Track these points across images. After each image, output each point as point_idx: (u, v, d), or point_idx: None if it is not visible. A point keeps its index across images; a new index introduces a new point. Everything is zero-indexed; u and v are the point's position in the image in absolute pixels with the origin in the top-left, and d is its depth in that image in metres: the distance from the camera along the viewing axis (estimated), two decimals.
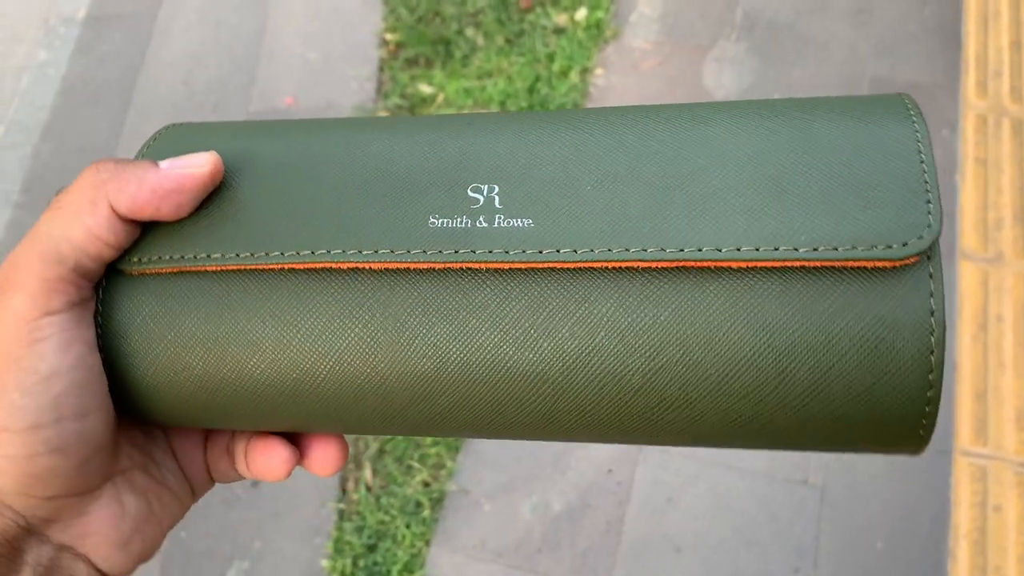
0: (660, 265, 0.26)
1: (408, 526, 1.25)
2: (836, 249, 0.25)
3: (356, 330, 0.28)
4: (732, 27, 1.59)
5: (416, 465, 1.29)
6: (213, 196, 0.30)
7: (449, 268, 0.28)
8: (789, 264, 0.26)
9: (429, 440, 1.30)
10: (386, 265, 0.28)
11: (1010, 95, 1.36)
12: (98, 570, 0.30)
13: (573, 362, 0.27)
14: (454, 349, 0.27)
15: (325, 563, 1.25)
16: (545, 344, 0.27)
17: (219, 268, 0.29)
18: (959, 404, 1.16)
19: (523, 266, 0.27)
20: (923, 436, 0.26)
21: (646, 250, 0.26)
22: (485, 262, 0.27)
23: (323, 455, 0.33)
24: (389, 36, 1.72)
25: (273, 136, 0.32)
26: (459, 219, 0.28)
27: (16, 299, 0.27)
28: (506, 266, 0.27)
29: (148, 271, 0.29)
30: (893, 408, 0.26)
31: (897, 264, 0.25)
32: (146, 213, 0.29)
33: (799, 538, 1.17)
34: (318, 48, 1.73)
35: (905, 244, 0.25)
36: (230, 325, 0.28)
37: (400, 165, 0.30)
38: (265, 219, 0.29)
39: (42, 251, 0.28)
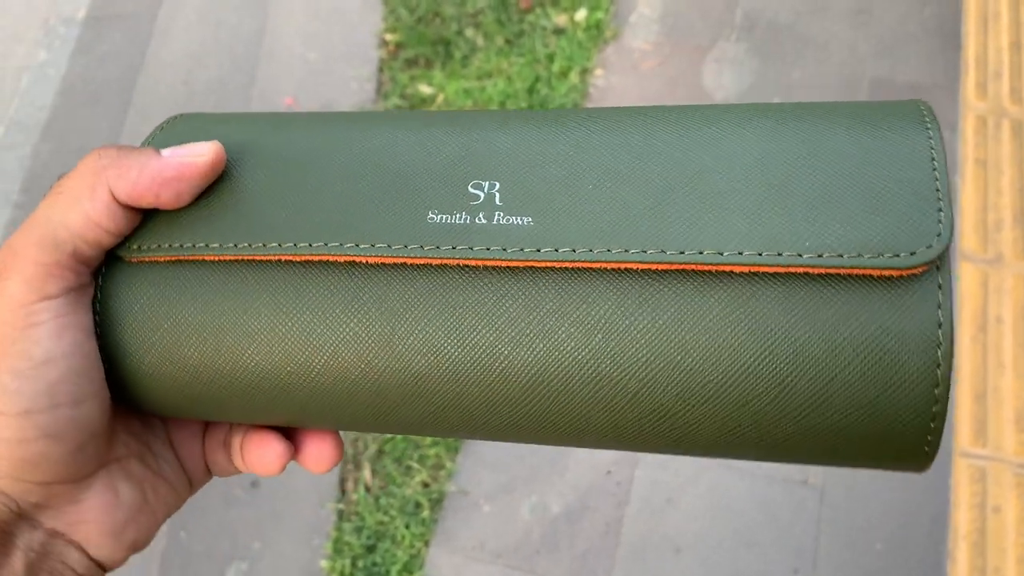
0: (660, 267, 0.26)
1: (407, 527, 1.25)
2: (842, 256, 0.24)
3: (351, 324, 0.28)
4: (732, 28, 1.59)
5: (415, 466, 1.29)
6: (215, 186, 0.30)
7: (446, 264, 0.27)
8: (792, 270, 0.25)
9: (428, 441, 1.30)
10: (383, 259, 0.27)
11: (1010, 96, 1.36)
12: (90, 557, 0.29)
13: (569, 364, 0.26)
14: (449, 346, 0.27)
15: (324, 563, 1.25)
16: (541, 344, 0.26)
17: (218, 258, 0.29)
18: (959, 405, 1.16)
19: (521, 264, 0.27)
20: (928, 453, 0.25)
21: (646, 251, 0.26)
22: (483, 259, 0.27)
23: (318, 451, 0.33)
24: (389, 36, 1.72)
25: (277, 128, 0.32)
26: (458, 215, 0.28)
27: (12, 283, 0.27)
28: (504, 264, 0.27)
29: (147, 259, 0.29)
30: (897, 422, 0.25)
31: (904, 273, 0.24)
32: (146, 200, 0.29)
33: (799, 539, 1.17)
34: (318, 48, 1.73)
35: (913, 253, 0.24)
36: (227, 315, 0.28)
37: (402, 160, 0.29)
38: (265, 210, 0.29)
39: (40, 236, 0.28)
